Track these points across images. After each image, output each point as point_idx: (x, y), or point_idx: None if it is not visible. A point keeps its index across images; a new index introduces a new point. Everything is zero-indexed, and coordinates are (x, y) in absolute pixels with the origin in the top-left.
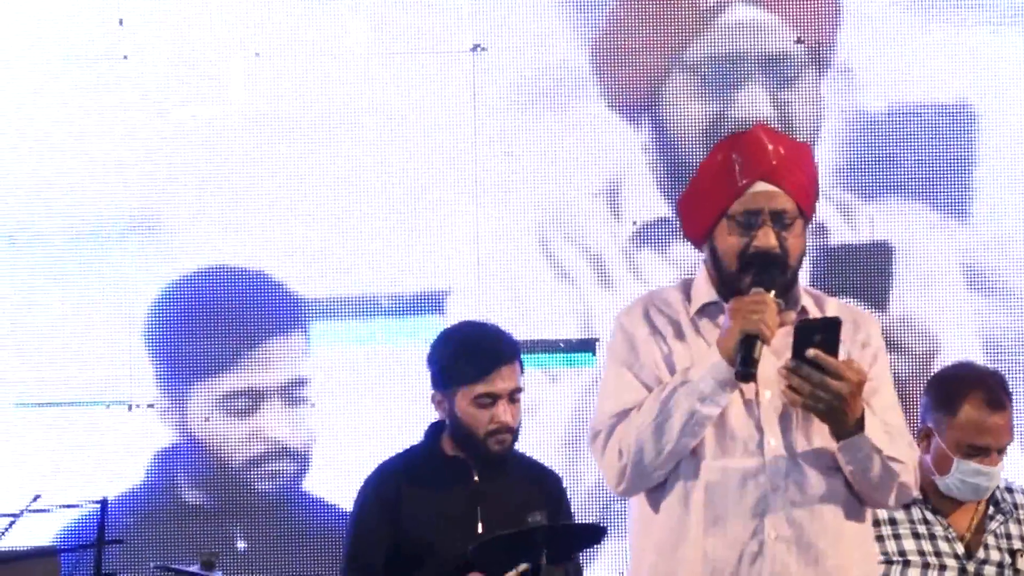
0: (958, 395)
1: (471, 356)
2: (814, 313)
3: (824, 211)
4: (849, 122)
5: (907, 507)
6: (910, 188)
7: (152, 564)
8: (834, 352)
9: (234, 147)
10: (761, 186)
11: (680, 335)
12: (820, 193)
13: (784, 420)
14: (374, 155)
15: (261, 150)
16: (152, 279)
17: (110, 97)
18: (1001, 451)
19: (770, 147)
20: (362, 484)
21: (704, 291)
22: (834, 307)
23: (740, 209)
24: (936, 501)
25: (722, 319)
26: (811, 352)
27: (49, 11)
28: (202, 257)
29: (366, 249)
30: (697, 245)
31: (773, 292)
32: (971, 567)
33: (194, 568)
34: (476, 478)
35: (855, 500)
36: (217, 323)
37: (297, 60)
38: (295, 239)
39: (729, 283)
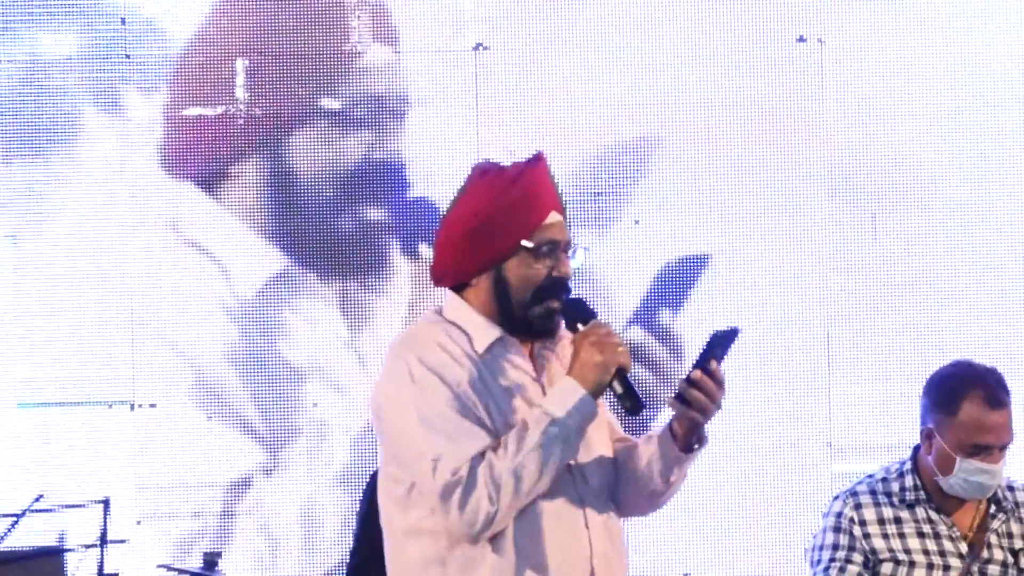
0: (957, 395)
1: None
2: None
3: None
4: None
5: (911, 506)
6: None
7: (155, 563)
8: (720, 362)
9: (237, 146)
10: (555, 217)
11: (486, 378)
12: None
13: None
14: (379, 152)
15: (264, 148)
16: (156, 279)
17: (112, 95)
18: (1003, 448)
19: (552, 178)
20: (373, 472)
21: (484, 327)
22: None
23: (542, 240)
24: (939, 500)
25: (518, 357)
26: (713, 365)
27: (52, 10)
28: (210, 257)
29: (356, 252)
30: (456, 281)
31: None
32: (975, 567)
33: (197, 567)
34: None
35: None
36: (218, 324)
37: (300, 59)
38: (296, 236)
39: (519, 314)
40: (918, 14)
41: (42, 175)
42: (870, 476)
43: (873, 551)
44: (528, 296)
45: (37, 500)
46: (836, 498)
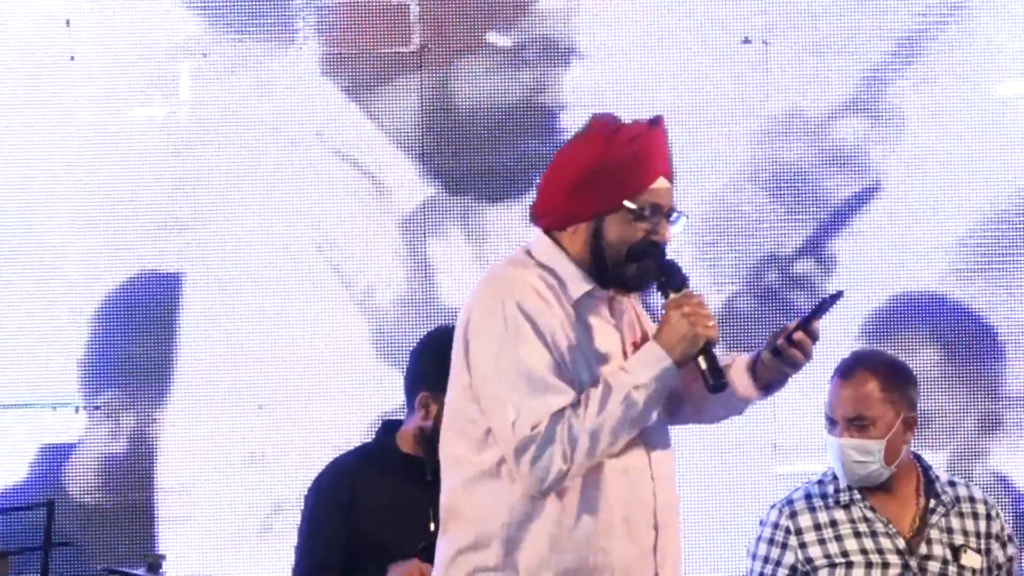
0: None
1: None
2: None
3: None
4: None
5: (846, 507)
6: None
7: (99, 566)
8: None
9: (184, 147)
10: (663, 183)
11: (576, 329)
12: None
13: None
14: (332, 155)
15: (211, 150)
16: (99, 280)
17: (57, 98)
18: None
19: (668, 145)
20: (314, 480)
21: (578, 278)
22: None
23: (647, 203)
24: (873, 498)
25: (603, 307)
26: (815, 324)
27: None
28: (150, 259)
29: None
30: (553, 225)
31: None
32: (913, 563)
33: (140, 571)
34: (430, 477)
35: None
36: (164, 325)
37: (246, 60)
38: (245, 240)
39: (613, 271)
40: (864, 16)
41: None
42: (808, 481)
43: (809, 560)
44: (622, 254)
45: None
46: (773, 507)
